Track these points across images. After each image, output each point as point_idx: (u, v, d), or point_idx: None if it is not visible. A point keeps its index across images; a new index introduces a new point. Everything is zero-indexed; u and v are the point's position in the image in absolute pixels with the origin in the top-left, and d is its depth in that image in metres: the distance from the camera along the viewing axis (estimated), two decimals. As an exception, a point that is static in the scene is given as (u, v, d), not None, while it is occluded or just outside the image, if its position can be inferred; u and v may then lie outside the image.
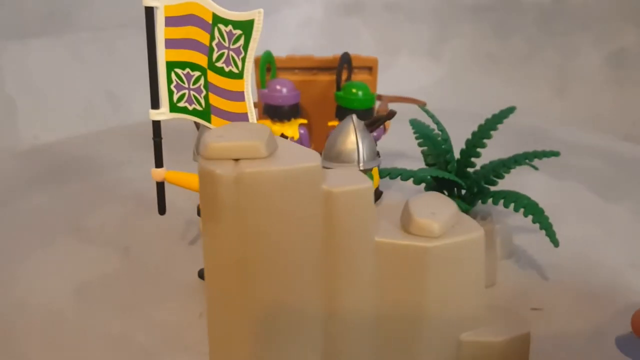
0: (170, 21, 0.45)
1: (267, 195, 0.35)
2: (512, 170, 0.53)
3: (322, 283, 0.38)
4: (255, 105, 0.67)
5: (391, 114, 0.56)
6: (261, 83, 0.66)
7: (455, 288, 0.39)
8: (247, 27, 0.42)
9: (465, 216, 0.42)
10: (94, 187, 0.73)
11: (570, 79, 1.08)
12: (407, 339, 0.39)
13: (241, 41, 0.42)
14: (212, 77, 0.45)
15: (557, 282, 0.54)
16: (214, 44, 0.44)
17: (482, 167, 0.55)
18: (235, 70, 0.43)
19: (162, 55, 0.46)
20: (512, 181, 0.57)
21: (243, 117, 0.44)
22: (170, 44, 0.46)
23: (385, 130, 0.65)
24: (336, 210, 0.36)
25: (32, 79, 0.94)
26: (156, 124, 0.49)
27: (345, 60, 0.65)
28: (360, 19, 1.26)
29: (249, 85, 0.43)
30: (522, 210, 0.50)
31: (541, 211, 0.50)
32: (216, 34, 0.43)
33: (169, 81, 0.47)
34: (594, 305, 0.50)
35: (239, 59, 0.43)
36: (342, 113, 0.62)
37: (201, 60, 0.45)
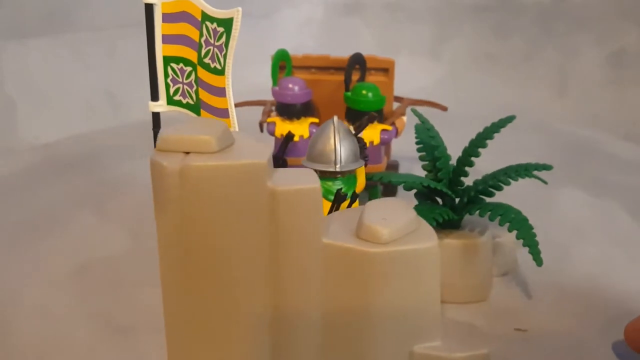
0: (167, 18, 0.47)
1: (210, 189, 0.35)
2: (547, 184, 0.52)
3: (268, 281, 0.38)
4: (274, 103, 0.68)
5: (372, 118, 0.56)
6: (273, 81, 0.66)
7: (405, 297, 0.38)
8: (228, 24, 0.43)
9: (426, 225, 0.40)
10: (99, 181, 0.74)
11: (571, 79, 1.08)
12: (356, 344, 0.39)
13: (223, 38, 0.44)
14: (201, 72, 0.46)
15: (555, 303, 0.51)
16: (202, 40, 0.45)
17: (483, 177, 0.53)
18: (218, 66, 0.44)
19: (160, 50, 0.48)
20: (544, 194, 0.55)
21: (226, 112, 0.45)
22: (166, 39, 0.47)
23: (397, 133, 0.64)
24: (281, 209, 0.36)
25: (32, 79, 0.94)
26: (155, 115, 0.50)
27: (357, 61, 0.64)
28: (360, 19, 1.26)
29: (229, 81, 0.44)
30: (507, 224, 0.48)
31: (528, 227, 0.48)
32: (204, 31, 0.45)
33: (166, 75, 0.49)
34: (586, 334, 0.47)
35: (221, 55, 0.44)
36: (350, 114, 0.61)
37: (192, 56, 0.47)
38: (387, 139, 0.62)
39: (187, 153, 0.36)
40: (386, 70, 0.66)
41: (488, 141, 0.53)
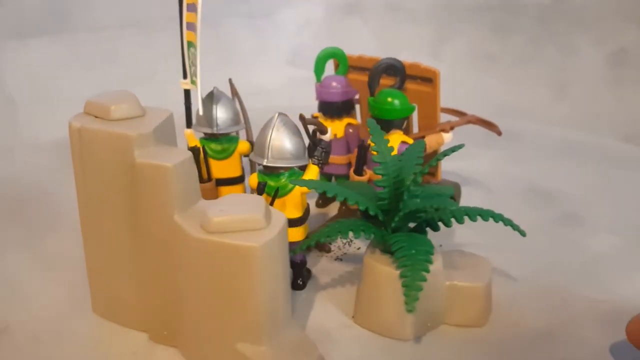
0: (189, 7, 0.53)
1: (95, 149, 0.42)
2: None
3: (129, 242, 0.43)
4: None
5: (302, 119, 0.54)
6: (317, 77, 0.66)
7: (221, 291, 0.39)
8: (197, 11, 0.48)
9: (275, 228, 0.39)
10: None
11: (570, 79, 1.08)
12: (186, 322, 0.42)
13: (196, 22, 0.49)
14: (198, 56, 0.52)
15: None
16: (197, 26, 0.51)
17: (424, 205, 0.47)
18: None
19: (185, 35, 0.54)
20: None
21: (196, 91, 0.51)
22: (188, 26, 0.54)
23: (425, 149, 0.56)
24: (137, 179, 0.41)
25: (32, 78, 0.94)
26: (187, 92, 0.58)
27: (391, 67, 0.60)
28: (360, 19, 1.26)
29: (198, 62, 0.50)
30: (403, 258, 0.43)
31: (419, 268, 0.42)
32: (197, 17, 0.50)
33: (188, 57, 0.55)
34: None
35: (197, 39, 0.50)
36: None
37: (197, 41, 0.52)
38: None
39: (97, 117, 0.43)
40: (429, 80, 0.60)
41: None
